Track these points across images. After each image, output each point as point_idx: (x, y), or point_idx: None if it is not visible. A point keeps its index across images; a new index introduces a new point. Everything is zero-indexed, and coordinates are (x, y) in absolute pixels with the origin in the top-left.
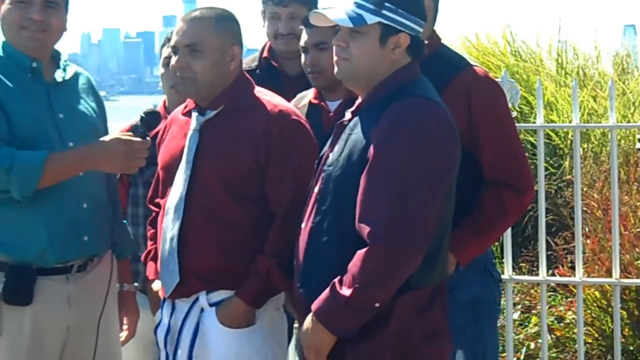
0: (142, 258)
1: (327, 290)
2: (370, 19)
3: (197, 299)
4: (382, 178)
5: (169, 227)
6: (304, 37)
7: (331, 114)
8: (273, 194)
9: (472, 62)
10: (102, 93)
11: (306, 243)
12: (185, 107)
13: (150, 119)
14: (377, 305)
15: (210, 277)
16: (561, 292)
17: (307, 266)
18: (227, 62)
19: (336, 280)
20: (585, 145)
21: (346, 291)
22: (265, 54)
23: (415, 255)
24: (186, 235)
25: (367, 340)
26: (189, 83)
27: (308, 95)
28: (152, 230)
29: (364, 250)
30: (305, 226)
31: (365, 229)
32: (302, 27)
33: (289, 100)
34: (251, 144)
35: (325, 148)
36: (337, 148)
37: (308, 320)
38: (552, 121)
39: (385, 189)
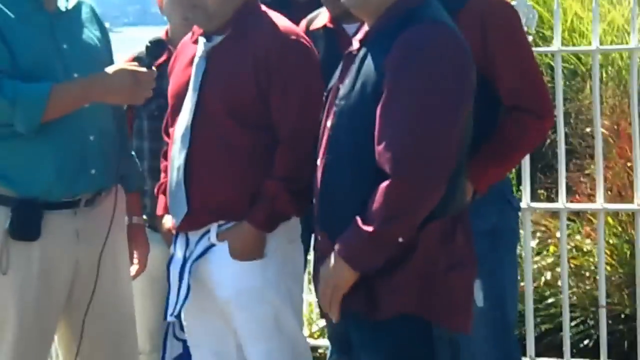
0: (155, 191)
1: (349, 228)
2: None
3: (208, 232)
4: (400, 108)
5: (176, 156)
6: None
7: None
8: (277, 119)
9: None
10: (105, 24)
11: (322, 182)
12: (193, 34)
13: (156, 48)
14: (400, 240)
15: (218, 207)
16: (577, 220)
17: (325, 206)
18: None
19: (358, 216)
20: (611, 69)
21: (369, 227)
22: None
23: (439, 185)
24: (193, 164)
25: (392, 273)
26: (201, 13)
27: (321, 17)
28: (165, 163)
29: (386, 183)
30: (320, 164)
31: (386, 162)
32: None
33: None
34: (252, 67)
35: (334, 80)
36: (347, 80)
37: (330, 258)
38: (573, 44)
39: (403, 119)
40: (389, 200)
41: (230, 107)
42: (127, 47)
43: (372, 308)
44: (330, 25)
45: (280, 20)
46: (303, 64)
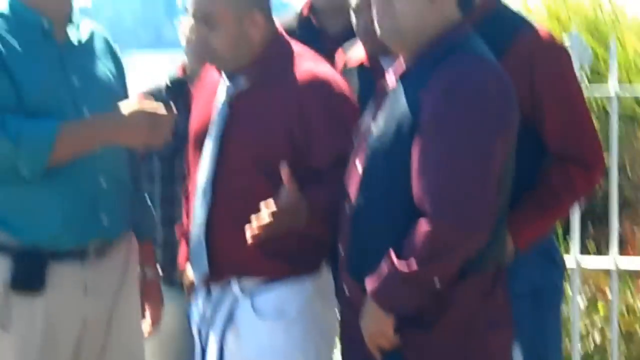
0: (178, 235)
1: (382, 266)
2: None
3: (229, 286)
4: (438, 147)
5: (198, 210)
6: None
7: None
8: (318, 168)
9: (534, 23)
10: (120, 56)
11: (352, 226)
12: None
13: (177, 88)
14: (436, 284)
15: (241, 263)
16: (629, 277)
17: (356, 252)
18: (247, 31)
19: (393, 256)
20: None
21: (404, 267)
22: (305, 12)
23: (481, 228)
24: (215, 220)
25: (429, 329)
26: (211, 57)
27: (357, 51)
28: (187, 205)
29: (425, 224)
30: (350, 207)
31: (426, 203)
32: None
33: (331, 62)
34: (284, 117)
35: (366, 117)
36: (381, 118)
37: (365, 307)
38: (630, 82)
39: (442, 158)
40: (429, 240)
41: (258, 159)
42: (139, 74)
43: None
44: (366, 63)
45: (312, 63)
46: (340, 110)
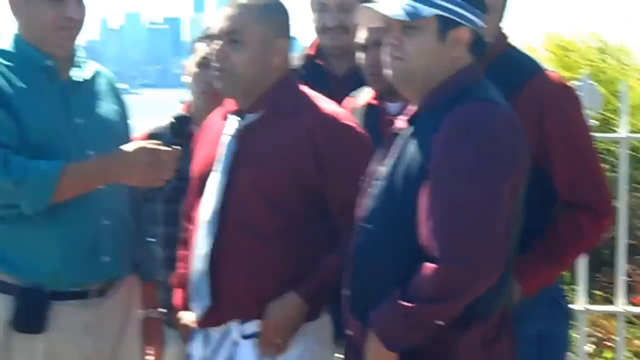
0: (171, 282)
1: (385, 303)
2: (426, 10)
3: (230, 330)
4: (447, 190)
5: (201, 244)
6: (363, 33)
7: (391, 117)
8: (337, 207)
9: (544, 67)
10: (123, 85)
11: (356, 264)
12: (225, 110)
13: (181, 125)
14: (438, 323)
15: (245, 303)
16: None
17: (359, 291)
18: (270, 56)
19: (397, 295)
20: None
21: (407, 304)
22: (311, 52)
23: (490, 275)
24: (220, 253)
25: None
26: (226, 77)
27: (364, 94)
28: (184, 252)
29: (433, 266)
30: (353, 248)
31: (433, 246)
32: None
33: (336, 102)
34: (294, 153)
35: (375, 158)
36: (389, 160)
37: (368, 343)
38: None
39: (450, 201)
40: (436, 282)
41: (265, 192)
42: (146, 111)
43: None
44: (374, 102)
45: (323, 102)
46: (356, 151)
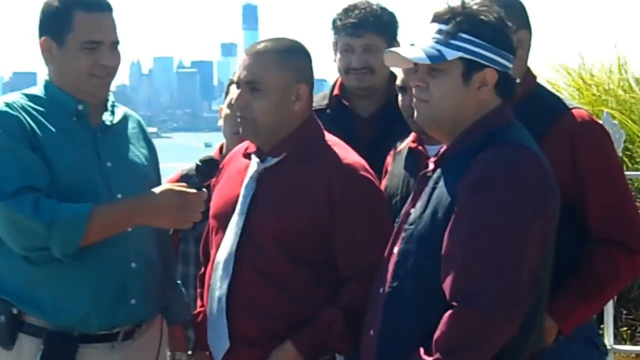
0: (192, 320)
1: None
2: (450, 54)
3: None
4: (469, 233)
5: (217, 285)
6: (402, 75)
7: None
8: (344, 258)
9: (572, 104)
10: (153, 129)
11: (385, 311)
12: (247, 148)
13: (207, 167)
14: None
15: (262, 343)
16: None
17: (385, 336)
18: (290, 102)
19: (421, 353)
20: None
21: (430, 357)
22: (336, 92)
23: (511, 319)
24: (236, 295)
25: None
26: (248, 124)
27: (408, 139)
28: (201, 290)
29: (451, 311)
30: (382, 292)
31: (452, 290)
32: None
33: (361, 144)
34: (311, 201)
35: (407, 203)
36: (419, 203)
37: None
38: None
39: (473, 245)
40: (455, 329)
41: (280, 239)
42: (176, 154)
43: None
44: (413, 145)
45: (345, 151)
46: (371, 203)
